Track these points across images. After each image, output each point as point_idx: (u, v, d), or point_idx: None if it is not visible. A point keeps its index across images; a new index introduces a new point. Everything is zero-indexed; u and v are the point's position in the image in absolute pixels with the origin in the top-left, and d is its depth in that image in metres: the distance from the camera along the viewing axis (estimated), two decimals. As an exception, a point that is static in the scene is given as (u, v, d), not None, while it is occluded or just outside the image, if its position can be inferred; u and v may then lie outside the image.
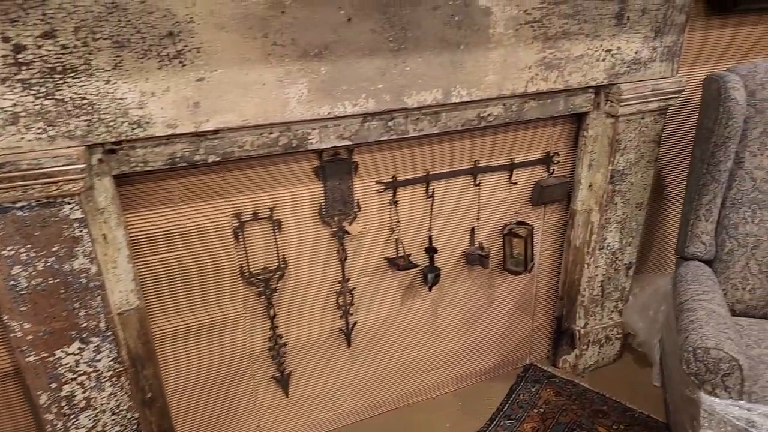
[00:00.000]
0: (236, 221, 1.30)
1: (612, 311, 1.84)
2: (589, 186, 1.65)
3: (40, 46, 0.93)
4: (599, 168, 1.61)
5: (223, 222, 1.29)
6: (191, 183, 1.23)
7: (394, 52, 1.20)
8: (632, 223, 1.71)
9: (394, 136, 1.32)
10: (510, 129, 1.53)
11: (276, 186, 1.31)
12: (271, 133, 1.19)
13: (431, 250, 1.56)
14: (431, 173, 1.49)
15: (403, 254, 1.52)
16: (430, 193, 1.51)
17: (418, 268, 1.55)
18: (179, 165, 1.14)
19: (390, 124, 1.30)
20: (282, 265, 1.38)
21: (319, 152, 1.32)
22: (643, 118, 1.55)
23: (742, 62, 1.81)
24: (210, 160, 1.16)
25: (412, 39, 1.21)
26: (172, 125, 1.07)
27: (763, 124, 1.45)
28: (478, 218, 1.61)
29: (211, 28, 1.03)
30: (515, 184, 1.62)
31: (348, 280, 1.49)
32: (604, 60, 1.43)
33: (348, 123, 1.25)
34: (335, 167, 1.35)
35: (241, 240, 1.32)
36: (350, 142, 1.28)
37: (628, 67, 1.46)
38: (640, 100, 1.50)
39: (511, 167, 1.59)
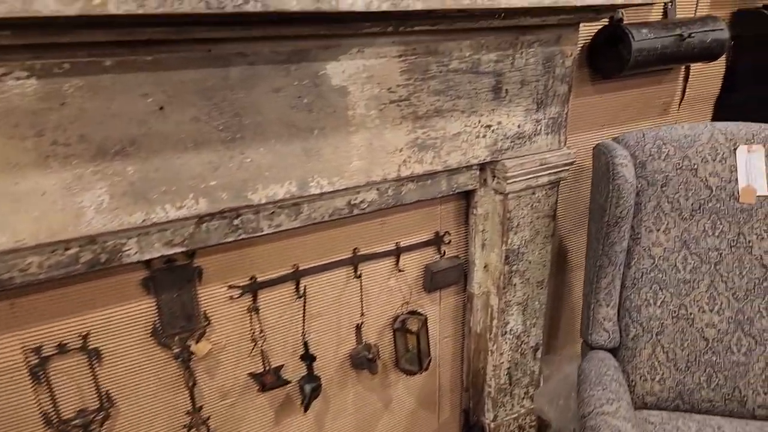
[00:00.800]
0: (34, 358, 1.01)
1: (523, 398, 1.67)
2: (485, 267, 1.49)
3: None
4: (493, 248, 1.46)
5: (14, 361, 1.00)
6: (-39, 318, 0.93)
7: (228, 143, 0.99)
8: (534, 303, 1.56)
9: (244, 236, 1.10)
10: (392, 211, 1.35)
11: (89, 307, 1.04)
12: (67, 250, 0.93)
13: (308, 358, 1.32)
14: (301, 269, 1.27)
15: (269, 368, 1.27)
16: (302, 292, 1.29)
17: (291, 383, 1.30)
18: (-72, 303, 0.85)
19: (236, 222, 1.08)
20: (106, 404, 1.10)
21: (147, 261, 1.07)
22: (534, 194, 1.43)
23: (634, 125, 1.76)
24: (-23, 292, 0.88)
25: (251, 126, 1.00)
26: None
27: (656, 198, 1.36)
28: (362, 313, 1.40)
29: (-48, 128, 0.77)
30: (402, 270, 1.43)
31: (200, 408, 1.22)
32: (484, 136, 1.29)
33: (177, 227, 1.01)
34: (171, 276, 1.10)
35: (44, 380, 1.03)
36: (184, 248, 1.04)
37: (511, 142, 1.34)
38: (528, 176, 1.38)
39: (397, 252, 1.40)
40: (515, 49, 1.25)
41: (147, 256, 1.00)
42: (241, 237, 1.09)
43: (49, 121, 0.83)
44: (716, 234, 1.35)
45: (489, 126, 1.29)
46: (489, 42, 1.21)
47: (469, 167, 1.34)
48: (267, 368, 1.26)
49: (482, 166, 1.37)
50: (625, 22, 1.51)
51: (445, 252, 1.48)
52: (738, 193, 1.35)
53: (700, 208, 1.35)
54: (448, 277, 1.49)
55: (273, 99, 1.00)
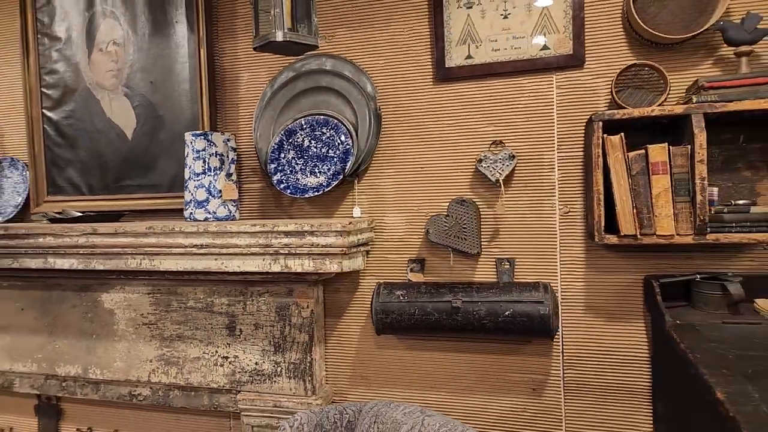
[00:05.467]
0: (-21, 430, 1.83)
1: None
2: (253, 495, 1.51)
3: None
4: (255, 477, 1.49)
5: (-29, 428, 1.84)
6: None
7: (47, 335, 1.63)
8: None
9: (66, 395, 1.67)
10: (183, 411, 1.64)
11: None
12: (-15, 375, 1.73)
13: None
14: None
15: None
16: (121, 451, 1.70)
17: None
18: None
19: (64, 384, 1.67)
20: (-3, 475, 1.80)
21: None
22: (279, 434, 1.43)
23: (483, 397, 1.43)
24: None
25: (60, 325, 1.62)
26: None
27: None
28: (160, 490, 1.67)
29: (-53, 307, 1.72)
30: (196, 466, 1.63)
31: (39, 507, 1.76)
32: (222, 365, 1.47)
33: (35, 379, 1.69)
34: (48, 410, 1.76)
35: (-22, 445, 1.83)
36: (37, 392, 1.70)
37: (250, 376, 1.45)
38: (265, 413, 1.42)
39: (199, 448, 1.64)
40: (245, 296, 1.44)
41: (22, 390, 1.71)
42: (64, 395, 1.67)
43: (-22, 309, 1.69)
44: None
45: (226, 357, 1.47)
46: (219, 289, 1.47)
47: (230, 390, 1.52)
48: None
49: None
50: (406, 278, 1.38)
51: (233, 464, 1.60)
52: None
53: None
54: (230, 490, 1.58)
55: (72, 312, 1.60)
